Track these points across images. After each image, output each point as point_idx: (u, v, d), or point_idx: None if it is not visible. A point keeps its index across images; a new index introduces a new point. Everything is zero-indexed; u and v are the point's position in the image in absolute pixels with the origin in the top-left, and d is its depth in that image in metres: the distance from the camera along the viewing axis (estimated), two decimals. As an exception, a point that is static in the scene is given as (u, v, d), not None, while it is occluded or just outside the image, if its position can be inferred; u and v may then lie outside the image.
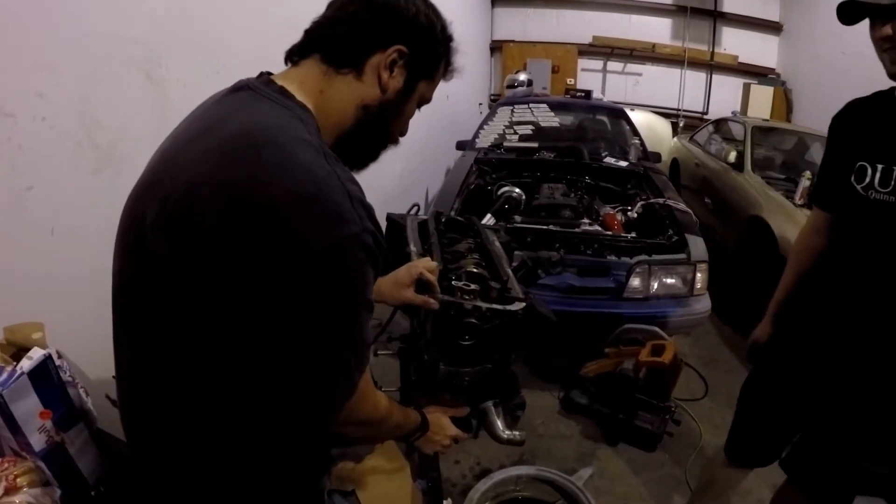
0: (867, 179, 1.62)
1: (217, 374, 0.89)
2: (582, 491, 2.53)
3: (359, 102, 1.02)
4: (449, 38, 1.10)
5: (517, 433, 1.46)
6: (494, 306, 1.29)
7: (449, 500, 2.63)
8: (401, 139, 1.16)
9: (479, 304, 1.28)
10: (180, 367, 0.90)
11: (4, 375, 1.49)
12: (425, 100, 1.12)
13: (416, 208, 1.94)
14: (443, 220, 1.76)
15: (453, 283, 1.35)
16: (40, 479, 1.50)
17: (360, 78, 1.00)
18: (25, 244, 1.54)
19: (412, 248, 1.46)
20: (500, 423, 1.44)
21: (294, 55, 1.03)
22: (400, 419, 1.20)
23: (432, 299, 1.32)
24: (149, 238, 0.86)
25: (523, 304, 1.31)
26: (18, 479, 1.46)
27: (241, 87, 0.99)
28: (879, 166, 1.59)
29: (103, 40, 1.96)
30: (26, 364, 1.52)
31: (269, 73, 1.03)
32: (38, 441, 1.53)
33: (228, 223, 0.81)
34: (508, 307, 1.29)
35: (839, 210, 1.79)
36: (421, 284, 1.36)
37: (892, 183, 1.55)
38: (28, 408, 1.51)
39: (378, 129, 1.07)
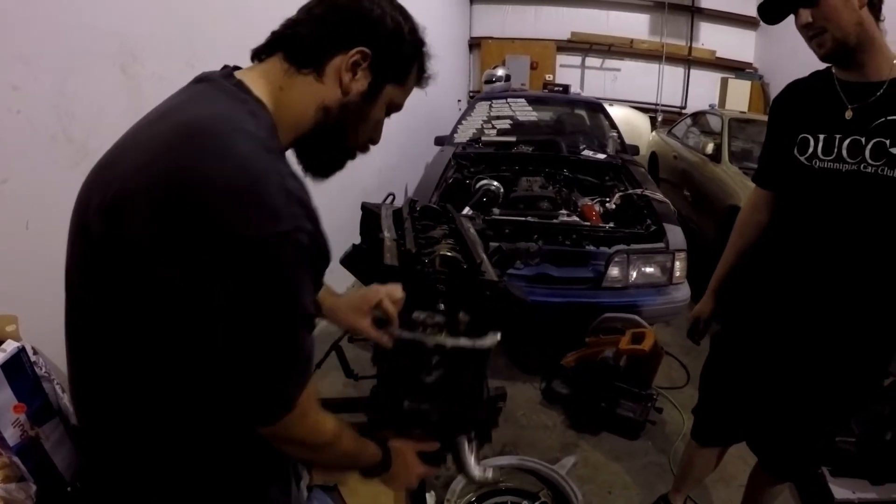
0: (810, 150, 1.70)
1: (152, 367, 0.89)
2: (565, 479, 2.56)
3: (319, 103, 0.99)
4: (419, 42, 1.07)
5: (489, 472, 1.40)
6: (461, 344, 1.17)
7: (432, 492, 2.63)
8: (372, 147, 1.13)
9: (443, 341, 1.17)
10: (117, 356, 0.90)
11: (-29, 368, 1.50)
12: (395, 106, 1.09)
13: (391, 197, 1.94)
14: (417, 207, 1.77)
15: (414, 315, 1.23)
16: (15, 474, 1.51)
17: (320, 79, 0.98)
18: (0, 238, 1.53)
19: (385, 234, 1.46)
20: (472, 462, 1.33)
21: (260, 53, 1.02)
22: (351, 449, 1.11)
23: (387, 336, 1.27)
24: (91, 223, 0.86)
25: (497, 338, 1.21)
26: None
27: (201, 79, 0.98)
28: (821, 136, 1.68)
29: (79, 33, 1.98)
30: None
31: (234, 67, 1.02)
32: (11, 435, 1.54)
33: (159, 210, 0.80)
34: (478, 344, 1.19)
35: (783, 184, 1.86)
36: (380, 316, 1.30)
37: (835, 150, 1.65)
38: (1, 401, 1.52)
39: (337, 132, 1.04)
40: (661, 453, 3.02)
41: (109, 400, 0.94)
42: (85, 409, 1.01)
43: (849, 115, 1.64)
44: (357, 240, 1.75)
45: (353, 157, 1.11)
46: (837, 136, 1.65)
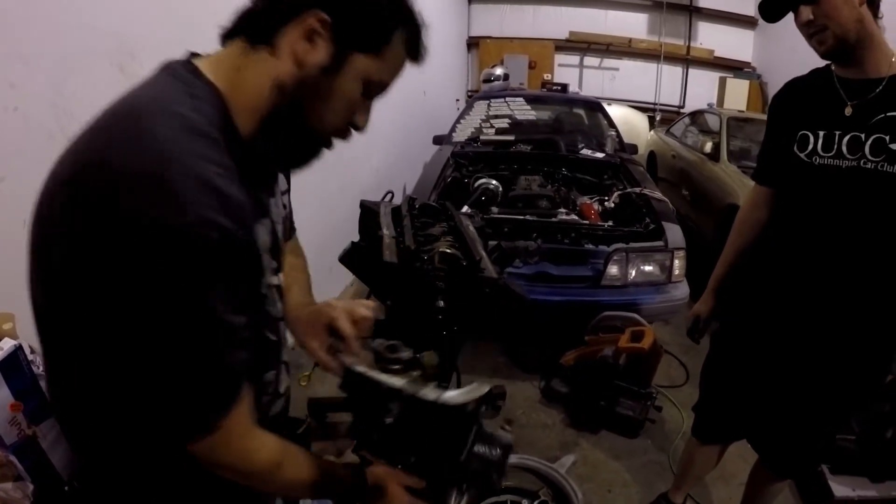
0: (810, 146, 1.73)
1: (78, 376, 0.85)
2: (565, 478, 2.58)
3: (272, 81, 0.87)
4: (401, 5, 0.91)
5: None
6: (424, 395, 0.94)
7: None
8: (358, 134, 0.99)
9: (403, 387, 0.96)
10: (52, 354, 0.88)
11: (-36, 367, 1.50)
12: (377, 84, 0.94)
13: (390, 196, 1.96)
14: (416, 205, 1.78)
15: (375, 343, 1.11)
16: (11, 473, 1.50)
17: (274, 53, 0.86)
18: (-7, 239, 1.56)
19: (384, 231, 1.46)
20: None
21: (224, 37, 0.92)
22: (304, 478, 0.97)
23: (336, 363, 1.13)
24: (34, 216, 0.82)
25: (475, 395, 0.97)
26: None
27: (162, 67, 0.89)
28: (821, 132, 1.71)
29: (78, 32, 2.00)
30: (-16, 356, 1.51)
31: (196, 54, 0.93)
32: (8, 434, 1.54)
33: (70, 195, 0.75)
34: (443, 399, 0.94)
35: (783, 181, 1.89)
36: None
37: (835, 147, 1.67)
38: None
39: (295, 112, 0.90)
40: (660, 451, 3.04)
41: (63, 402, 0.92)
42: (55, 410, 1.01)
43: (848, 111, 1.66)
44: (356, 238, 1.75)
45: (326, 143, 0.97)
46: (837, 133, 1.67)
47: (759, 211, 2.01)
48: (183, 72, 0.86)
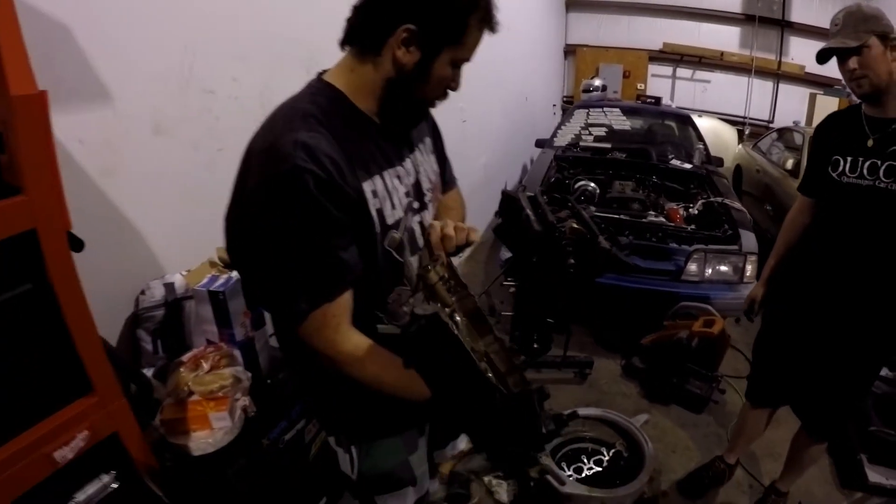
0: (840, 168, 2.10)
1: (250, 284, 1.25)
2: (639, 430, 2.92)
3: (383, 79, 1.14)
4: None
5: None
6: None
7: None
8: (456, 90, 1.23)
9: (412, 304, 1.02)
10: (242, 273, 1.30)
11: (222, 280, 1.91)
12: (461, 60, 1.16)
13: (522, 188, 2.43)
14: (545, 196, 2.28)
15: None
16: (235, 363, 1.84)
17: (379, 59, 1.12)
18: (217, 193, 1.71)
19: (529, 212, 1.95)
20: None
21: (342, 45, 1.19)
22: (391, 380, 1.14)
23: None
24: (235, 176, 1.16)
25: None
26: (221, 361, 1.81)
27: (308, 83, 1.23)
28: (849, 158, 2.07)
29: (280, 41, 2.40)
30: (235, 273, 1.90)
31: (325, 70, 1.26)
32: (238, 333, 1.92)
33: (239, 168, 1.12)
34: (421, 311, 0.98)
35: (820, 195, 2.26)
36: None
37: (858, 170, 2.04)
38: (237, 307, 1.90)
39: (407, 96, 1.16)
40: (721, 427, 3.35)
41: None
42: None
43: (870, 143, 2.02)
44: (470, 222, 2.19)
45: (431, 105, 1.25)
46: (861, 159, 2.03)
47: (803, 216, 2.38)
48: (314, 81, 1.20)
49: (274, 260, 1.06)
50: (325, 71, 1.23)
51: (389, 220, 1.20)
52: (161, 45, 1.98)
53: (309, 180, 1.01)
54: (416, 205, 1.32)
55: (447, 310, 0.99)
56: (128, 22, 1.84)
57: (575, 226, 1.90)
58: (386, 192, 1.20)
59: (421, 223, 1.33)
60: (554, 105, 9.80)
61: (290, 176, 1.01)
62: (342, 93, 1.16)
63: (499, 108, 6.05)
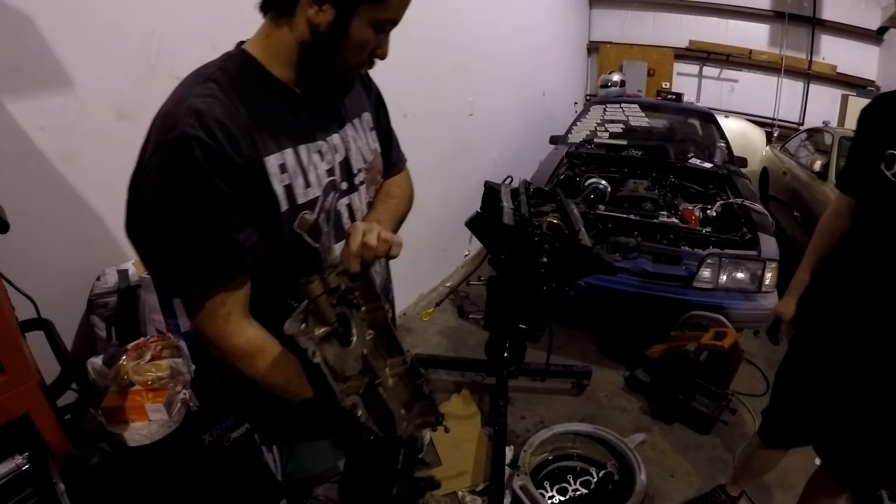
0: None
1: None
2: (632, 451, 2.75)
3: (297, 42, 1.08)
4: None
5: None
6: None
7: (511, 447, 2.90)
8: (383, 59, 1.16)
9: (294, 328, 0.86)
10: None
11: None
12: (384, 20, 1.08)
13: (509, 179, 2.22)
14: (531, 188, 2.05)
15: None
16: (179, 355, 1.83)
17: (293, 21, 1.06)
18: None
19: (504, 203, 1.74)
20: None
21: (261, 9, 1.12)
22: (273, 378, 1.09)
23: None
24: None
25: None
26: (164, 351, 1.80)
27: None
28: None
29: (250, 26, 2.30)
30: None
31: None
32: (183, 324, 1.91)
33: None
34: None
35: (867, 195, 1.85)
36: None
37: None
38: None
39: (323, 60, 1.09)
40: (727, 451, 3.10)
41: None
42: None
43: None
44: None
45: (356, 73, 1.19)
46: None
47: (841, 219, 1.96)
48: (232, 50, 1.14)
49: (164, 235, 1.02)
50: (245, 41, 1.17)
51: (301, 200, 1.12)
52: (125, 31, 2.03)
53: (196, 148, 0.95)
54: (343, 185, 1.24)
55: (322, 330, 0.90)
56: (90, 7, 1.89)
57: (554, 221, 1.67)
58: (299, 168, 1.12)
59: (349, 206, 1.26)
60: (575, 103, 9.62)
61: (177, 143, 0.95)
62: (255, 59, 1.11)
63: (512, 102, 5.94)
